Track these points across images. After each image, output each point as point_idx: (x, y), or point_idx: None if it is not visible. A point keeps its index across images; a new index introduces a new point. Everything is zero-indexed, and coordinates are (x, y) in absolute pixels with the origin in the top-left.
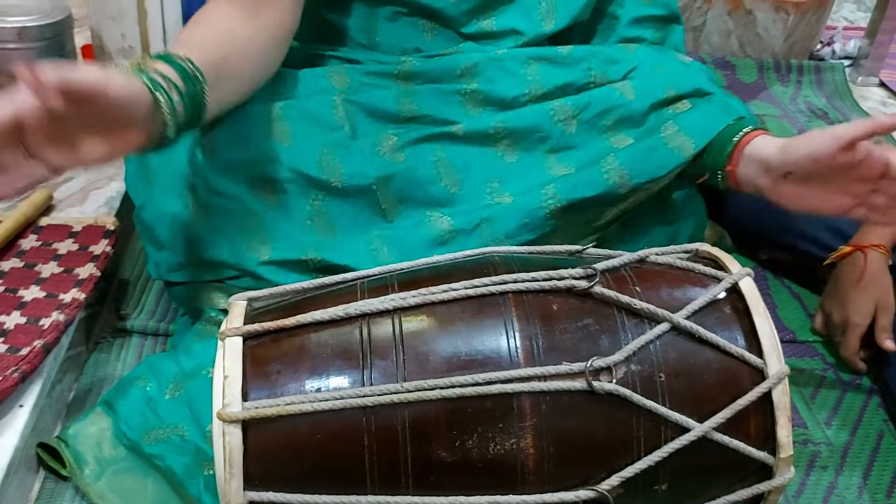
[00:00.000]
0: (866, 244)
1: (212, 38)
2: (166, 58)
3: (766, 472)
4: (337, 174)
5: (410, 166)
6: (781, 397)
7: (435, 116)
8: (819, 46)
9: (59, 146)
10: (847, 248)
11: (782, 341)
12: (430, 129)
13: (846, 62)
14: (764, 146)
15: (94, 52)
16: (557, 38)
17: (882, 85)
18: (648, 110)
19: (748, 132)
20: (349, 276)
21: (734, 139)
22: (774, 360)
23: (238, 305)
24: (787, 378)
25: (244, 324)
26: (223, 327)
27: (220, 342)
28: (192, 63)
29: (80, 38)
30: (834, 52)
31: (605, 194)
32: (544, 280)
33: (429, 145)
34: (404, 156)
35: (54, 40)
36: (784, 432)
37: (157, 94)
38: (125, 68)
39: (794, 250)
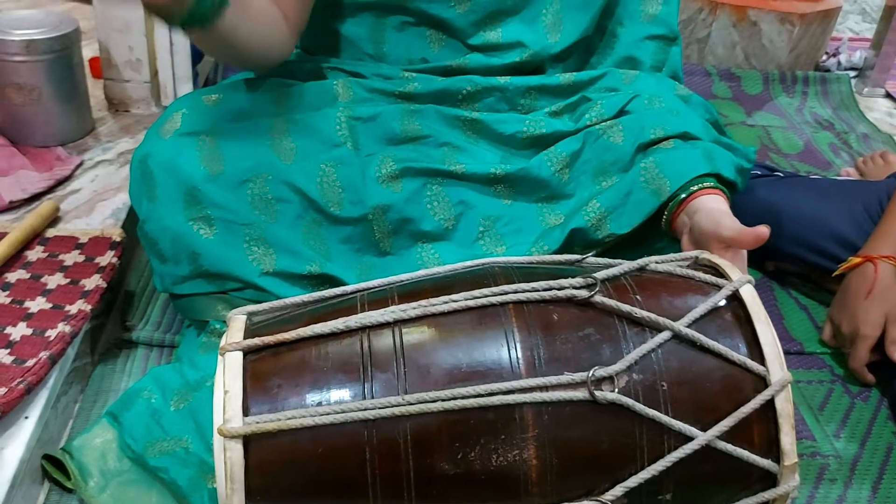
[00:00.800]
0: (877, 255)
1: None
2: None
3: (770, 479)
4: (335, 199)
5: (406, 199)
6: (784, 404)
7: (437, 138)
8: (824, 58)
9: None
10: (857, 259)
11: (790, 353)
12: (430, 165)
13: (852, 73)
14: (707, 203)
15: (101, 65)
16: (560, 55)
17: (888, 96)
18: (635, 152)
19: (706, 188)
20: (349, 288)
21: (693, 188)
22: (777, 367)
23: (237, 320)
24: (789, 385)
25: (244, 338)
26: (223, 342)
27: (220, 357)
28: None
29: (88, 51)
30: (839, 63)
31: (583, 230)
32: (545, 290)
33: (427, 179)
34: (401, 186)
35: (62, 53)
36: (788, 440)
37: None
38: None
39: (802, 262)
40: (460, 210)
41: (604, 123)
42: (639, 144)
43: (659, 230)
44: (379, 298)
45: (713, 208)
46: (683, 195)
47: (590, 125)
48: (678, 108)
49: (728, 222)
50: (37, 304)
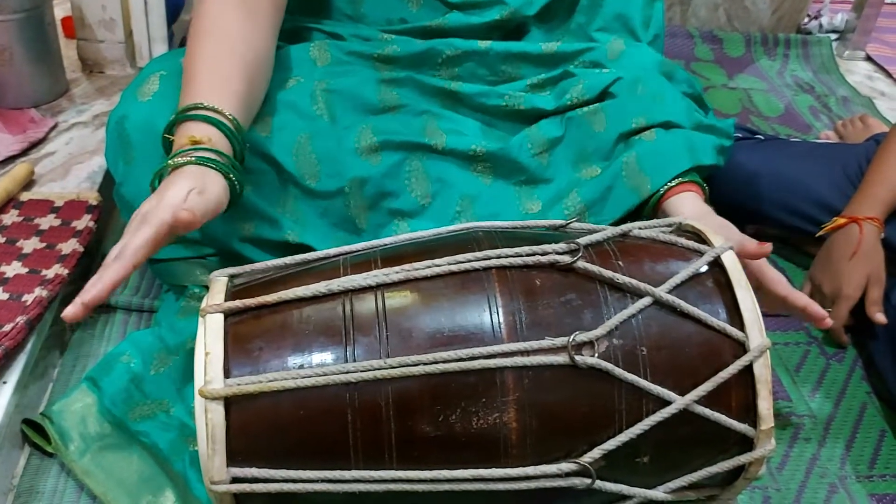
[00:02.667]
0: (861, 217)
1: (232, 63)
2: (217, 123)
3: (747, 443)
4: (312, 171)
5: (385, 173)
6: (762, 370)
7: (415, 107)
8: (806, 20)
9: None
10: (842, 220)
11: (767, 315)
12: (410, 138)
13: (833, 36)
14: (683, 207)
15: (74, 25)
16: (542, 12)
17: (868, 59)
18: (617, 140)
19: (681, 184)
20: (332, 251)
21: (670, 184)
22: (756, 333)
23: (219, 282)
24: (768, 351)
25: (225, 300)
26: (204, 304)
27: (200, 319)
28: (237, 122)
29: (60, 10)
30: (821, 25)
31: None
32: (527, 255)
33: (407, 153)
34: (380, 159)
35: (33, 12)
36: (765, 405)
37: (233, 181)
38: (210, 161)
39: (782, 224)
40: (438, 187)
41: (586, 108)
42: (620, 133)
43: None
44: (362, 262)
45: (695, 211)
46: (661, 190)
47: (571, 105)
48: (662, 90)
49: (716, 227)
50: (13, 269)
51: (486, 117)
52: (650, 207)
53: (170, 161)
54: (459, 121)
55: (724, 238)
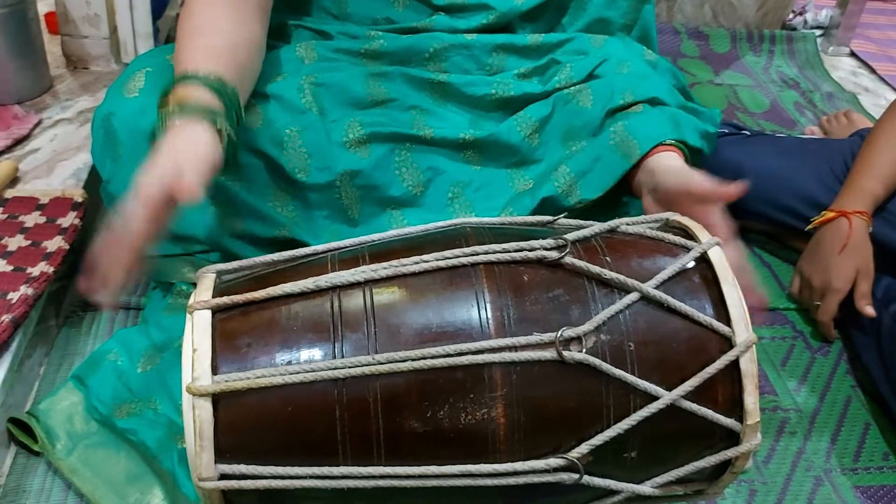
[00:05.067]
0: (850, 210)
1: (222, 50)
2: (215, 87)
3: (733, 438)
4: (302, 165)
5: (374, 165)
6: (749, 365)
7: (404, 101)
8: (791, 16)
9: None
10: (831, 214)
11: (753, 310)
12: (398, 129)
13: (818, 32)
14: (668, 162)
15: (58, 20)
16: (528, 16)
17: (853, 55)
18: (605, 117)
19: (662, 143)
20: (319, 248)
21: (651, 144)
22: (742, 328)
23: (207, 278)
24: (754, 346)
25: (213, 297)
26: (191, 300)
27: (188, 315)
28: (235, 91)
29: (43, 6)
30: (806, 21)
31: (553, 198)
32: (515, 251)
33: (395, 144)
34: (369, 152)
35: (16, 7)
36: (751, 399)
37: (229, 138)
38: (196, 109)
39: (767, 220)
40: (429, 176)
41: (573, 87)
42: (608, 109)
43: (626, 194)
44: (349, 258)
45: (677, 166)
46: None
47: (559, 88)
48: (646, 72)
49: (697, 178)
50: None
51: (475, 110)
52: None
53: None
54: (448, 117)
55: (711, 231)
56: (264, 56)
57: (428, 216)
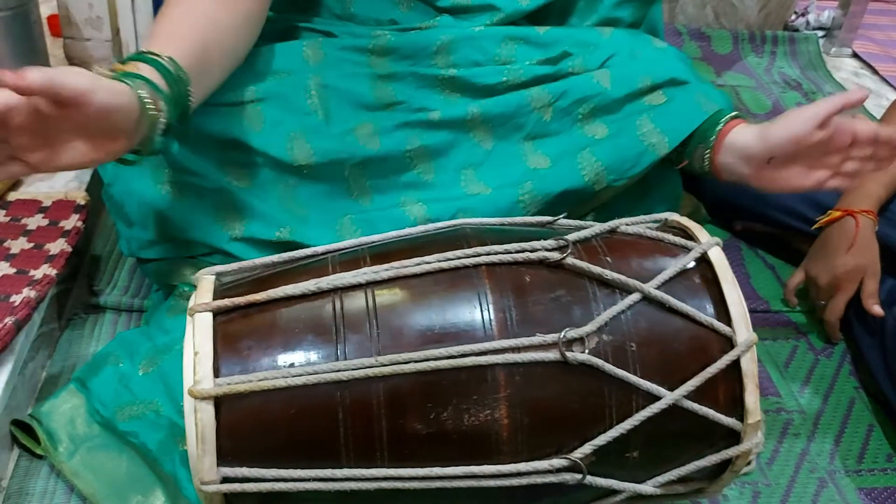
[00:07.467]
0: (857, 209)
1: (191, 25)
2: (149, 59)
3: (734, 437)
4: (306, 156)
5: (384, 153)
6: (749, 365)
7: (411, 104)
8: (793, 17)
9: (41, 148)
10: (837, 213)
11: (756, 311)
12: (405, 117)
13: (820, 33)
14: (743, 135)
15: (60, 23)
16: (534, 17)
17: (855, 56)
18: (624, 99)
19: (728, 121)
20: (319, 249)
21: (717, 128)
22: (743, 328)
23: (206, 280)
24: (755, 346)
25: (213, 299)
26: (192, 303)
27: (189, 318)
28: (175, 63)
29: (46, 8)
30: (808, 22)
31: (580, 190)
32: (517, 252)
33: (403, 132)
34: (379, 143)
35: (19, 10)
36: (752, 399)
37: (145, 102)
38: (109, 74)
39: (771, 221)
40: (440, 160)
41: (589, 72)
42: (628, 93)
43: (632, 199)
44: (350, 259)
45: (753, 130)
46: (712, 137)
47: (573, 73)
48: (661, 52)
49: (800, 114)
50: (0, 270)
51: (487, 98)
52: (709, 159)
53: None
54: (457, 102)
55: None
56: (248, 50)
57: (441, 195)
